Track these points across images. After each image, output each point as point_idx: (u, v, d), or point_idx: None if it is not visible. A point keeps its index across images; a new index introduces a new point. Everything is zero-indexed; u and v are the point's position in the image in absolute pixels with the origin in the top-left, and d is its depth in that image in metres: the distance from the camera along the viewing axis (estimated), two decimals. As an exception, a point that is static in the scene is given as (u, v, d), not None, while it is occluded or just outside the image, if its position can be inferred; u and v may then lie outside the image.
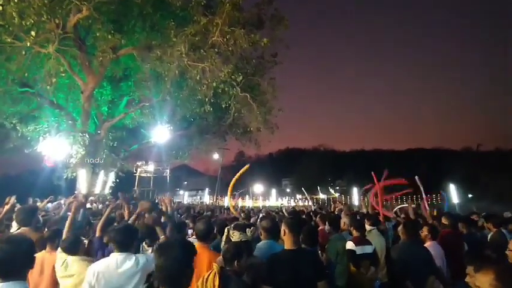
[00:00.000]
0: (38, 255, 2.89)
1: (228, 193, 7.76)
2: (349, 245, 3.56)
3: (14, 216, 4.55)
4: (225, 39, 10.97)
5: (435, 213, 8.18)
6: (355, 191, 27.95)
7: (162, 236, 2.93)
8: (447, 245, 3.75)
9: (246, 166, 7.45)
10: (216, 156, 28.24)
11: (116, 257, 2.41)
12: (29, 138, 13.51)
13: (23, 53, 10.40)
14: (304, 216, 6.27)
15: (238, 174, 7.22)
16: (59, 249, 2.82)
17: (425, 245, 3.58)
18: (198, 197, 42.09)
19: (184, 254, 1.63)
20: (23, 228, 3.42)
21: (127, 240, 2.50)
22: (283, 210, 9.59)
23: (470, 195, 36.97)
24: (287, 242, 2.53)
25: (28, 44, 9.65)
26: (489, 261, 1.79)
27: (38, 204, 7.16)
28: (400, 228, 3.69)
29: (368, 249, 3.57)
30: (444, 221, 4.52)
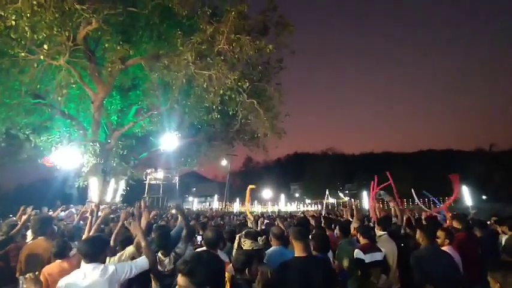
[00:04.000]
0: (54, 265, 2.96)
1: (246, 201, 7.85)
2: (357, 253, 3.46)
3: (30, 226, 4.68)
4: (231, 47, 11.07)
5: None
6: (365, 194, 27.62)
7: (144, 244, 2.86)
8: (463, 249, 3.66)
9: (252, 186, 7.73)
10: (224, 162, 28.38)
11: (84, 268, 2.42)
12: (41, 148, 13.80)
13: (35, 65, 10.73)
14: (313, 222, 6.21)
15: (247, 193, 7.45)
16: None
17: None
18: (207, 203, 42.15)
19: None
20: (39, 237, 3.50)
21: (94, 251, 2.49)
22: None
23: (484, 197, 36.14)
24: (296, 249, 2.53)
25: (41, 57, 9.95)
26: (501, 267, 1.78)
27: (51, 213, 7.32)
28: (418, 233, 3.47)
29: (378, 256, 3.44)
30: (456, 224, 4.42)
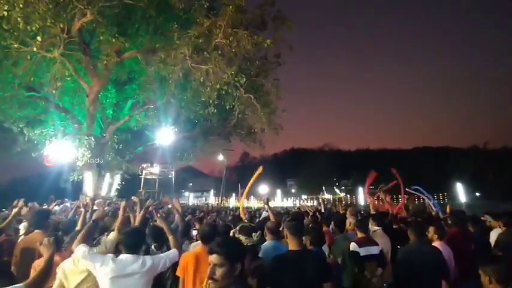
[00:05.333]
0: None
1: (244, 196, 7.62)
2: (353, 246, 3.47)
3: (23, 219, 4.59)
4: (228, 41, 10.98)
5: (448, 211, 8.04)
6: (360, 190, 27.83)
7: (171, 237, 2.93)
8: (455, 244, 3.69)
9: (260, 169, 7.20)
10: (220, 157, 28.33)
11: (124, 257, 2.47)
12: (35, 142, 13.63)
13: (29, 57, 10.54)
14: (309, 217, 6.22)
15: (253, 178, 7.00)
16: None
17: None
18: (204, 198, 42.23)
19: None
20: (36, 231, 3.44)
21: (136, 242, 2.58)
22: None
23: (477, 194, 36.56)
24: (290, 243, 2.52)
25: (34, 49, 9.80)
26: (492, 261, 1.84)
27: (45, 207, 7.24)
28: (408, 229, 3.57)
29: (374, 250, 3.45)
30: (450, 220, 4.46)
